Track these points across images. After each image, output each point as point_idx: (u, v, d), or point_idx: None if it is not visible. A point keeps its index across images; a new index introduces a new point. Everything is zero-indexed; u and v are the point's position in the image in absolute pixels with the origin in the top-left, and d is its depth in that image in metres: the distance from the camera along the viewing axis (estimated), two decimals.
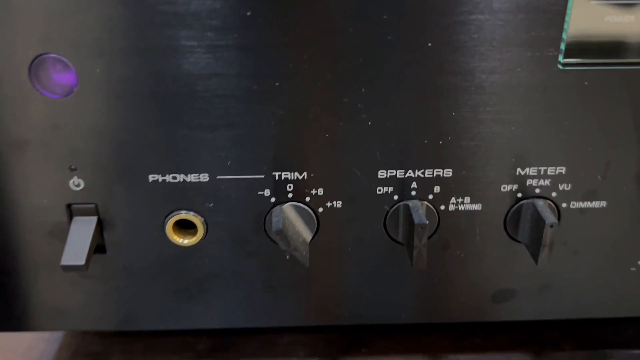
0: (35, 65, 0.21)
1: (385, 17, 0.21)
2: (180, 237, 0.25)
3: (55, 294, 0.26)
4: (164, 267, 0.26)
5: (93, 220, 0.24)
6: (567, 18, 0.21)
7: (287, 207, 0.24)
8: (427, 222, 0.23)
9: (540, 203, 0.24)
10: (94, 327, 0.27)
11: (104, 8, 0.21)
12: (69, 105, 0.22)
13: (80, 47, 0.21)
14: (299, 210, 0.24)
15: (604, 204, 0.25)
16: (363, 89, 0.22)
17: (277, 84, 0.22)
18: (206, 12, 0.21)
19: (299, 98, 0.22)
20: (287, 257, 0.25)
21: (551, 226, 0.23)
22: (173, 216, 0.24)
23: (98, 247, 0.25)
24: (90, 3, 0.20)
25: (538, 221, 0.24)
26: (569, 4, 0.21)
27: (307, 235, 0.24)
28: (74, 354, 0.29)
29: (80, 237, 0.24)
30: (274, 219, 0.24)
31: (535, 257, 0.24)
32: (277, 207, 0.24)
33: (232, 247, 0.25)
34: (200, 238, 0.25)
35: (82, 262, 0.23)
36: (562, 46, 0.22)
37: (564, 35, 0.21)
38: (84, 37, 0.21)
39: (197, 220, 0.24)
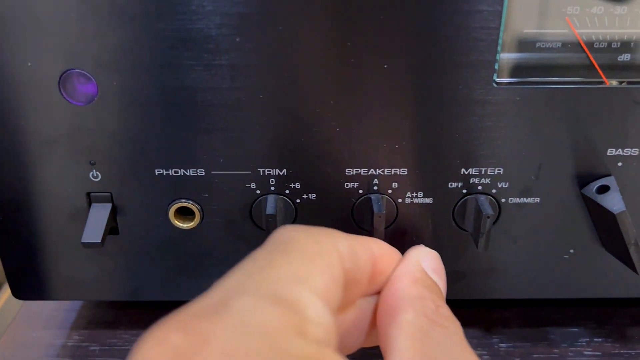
0: (63, 78, 0.26)
1: (348, 43, 0.25)
2: (180, 222, 0.29)
3: (75, 268, 0.31)
4: (167, 247, 0.30)
5: (108, 206, 0.29)
6: (499, 42, 0.26)
7: (279, 198, 0.29)
8: (384, 212, 0.28)
9: (481, 198, 0.29)
10: (107, 298, 0.32)
11: (121, 32, 0.25)
12: (90, 111, 0.27)
13: (100, 64, 0.26)
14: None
15: (537, 199, 0.29)
16: (331, 102, 0.27)
17: (260, 96, 0.27)
18: (203, 38, 0.25)
19: (279, 108, 0.27)
20: None
21: (488, 217, 0.27)
22: (175, 204, 0.29)
23: (112, 229, 0.30)
24: (109, 29, 0.25)
25: (478, 213, 0.28)
26: (500, 34, 0.25)
27: (282, 224, 0.29)
28: (89, 322, 0.34)
29: (97, 220, 0.29)
30: (269, 205, 0.28)
31: (476, 243, 0.29)
32: (272, 196, 0.29)
33: (224, 231, 0.30)
34: (197, 223, 0.29)
35: (98, 240, 0.28)
36: (496, 67, 0.26)
37: (498, 58, 0.26)
38: (104, 56, 0.26)
39: (194, 208, 0.29)
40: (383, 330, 0.20)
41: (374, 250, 0.21)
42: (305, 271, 0.17)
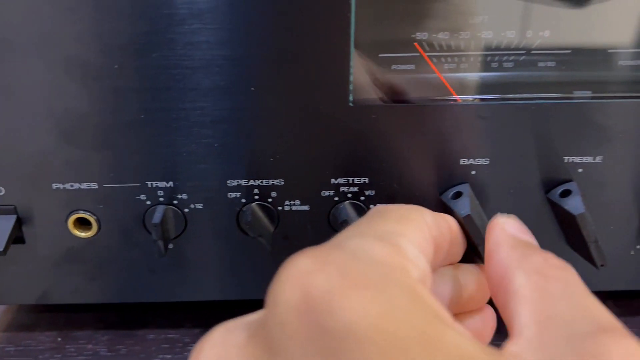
0: None
1: (217, 68, 0.28)
2: (80, 231, 0.32)
3: None
4: (70, 255, 0.33)
5: (12, 218, 0.32)
6: (351, 66, 0.29)
7: (168, 208, 0.32)
8: (251, 217, 0.31)
9: (349, 205, 0.32)
10: (19, 302, 0.35)
11: (13, 59, 0.28)
12: None
13: None
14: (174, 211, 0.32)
15: None
16: (208, 120, 0.30)
17: (142, 116, 0.29)
18: (86, 65, 0.28)
19: (161, 128, 0.30)
20: (160, 245, 0.32)
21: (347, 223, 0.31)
22: (72, 215, 0.32)
23: (19, 239, 0.32)
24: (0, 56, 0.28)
25: (347, 218, 0.31)
26: (351, 60, 0.29)
27: (173, 231, 0.32)
28: (8, 325, 0.37)
29: (2, 230, 0.31)
30: (156, 214, 0.31)
31: None
32: (161, 206, 0.32)
33: (121, 239, 0.33)
34: (95, 232, 0.32)
35: (1, 249, 0.31)
36: (351, 88, 0.29)
37: (351, 79, 0.29)
38: (1, 80, 0.29)
39: (91, 218, 0.32)
40: (503, 308, 0.19)
41: (449, 222, 0.23)
42: (402, 228, 0.19)
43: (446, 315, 0.16)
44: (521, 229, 0.23)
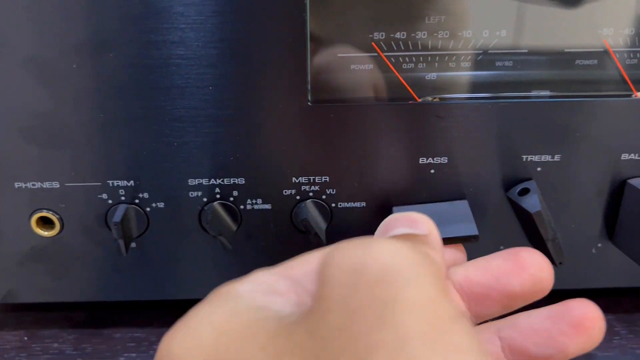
0: None
1: (173, 67, 0.29)
2: (43, 230, 0.32)
3: None
4: (35, 254, 0.33)
5: None
6: (308, 67, 0.29)
7: (129, 207, 0.32)
8: (211, 216, 0.31)
9: (310, 204, 0.32)
10: None
11: None
12: None
13: None
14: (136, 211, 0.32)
15: (363, 204, 0.32)
16: (166, 118, 0.30)
17: (101, 115, 0.30)
18: (46, 65, 0.29)
19: (120, 127, 0.30)
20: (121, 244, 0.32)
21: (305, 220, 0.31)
22: (35, 214, 0.32)
23: None
24: None
25: (308, 217, 0.31)
26: (308, 61, 0.29)
27: (135, 230, 0.32)
28: None
29: None
30: (117, 213, 0.32)
31: (310, 243, 0.32)
32: (122, 205, 0.32)
33: (84, 237, 0.33)
34: (58, 231, 0.32)
35: None
36: (309, 88, 0.29)
37: (309, 79, 0.29)
38: None
39: (54, 217, 0.32)
40: None
41: None
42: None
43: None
44: (385, 228, 0.24)
